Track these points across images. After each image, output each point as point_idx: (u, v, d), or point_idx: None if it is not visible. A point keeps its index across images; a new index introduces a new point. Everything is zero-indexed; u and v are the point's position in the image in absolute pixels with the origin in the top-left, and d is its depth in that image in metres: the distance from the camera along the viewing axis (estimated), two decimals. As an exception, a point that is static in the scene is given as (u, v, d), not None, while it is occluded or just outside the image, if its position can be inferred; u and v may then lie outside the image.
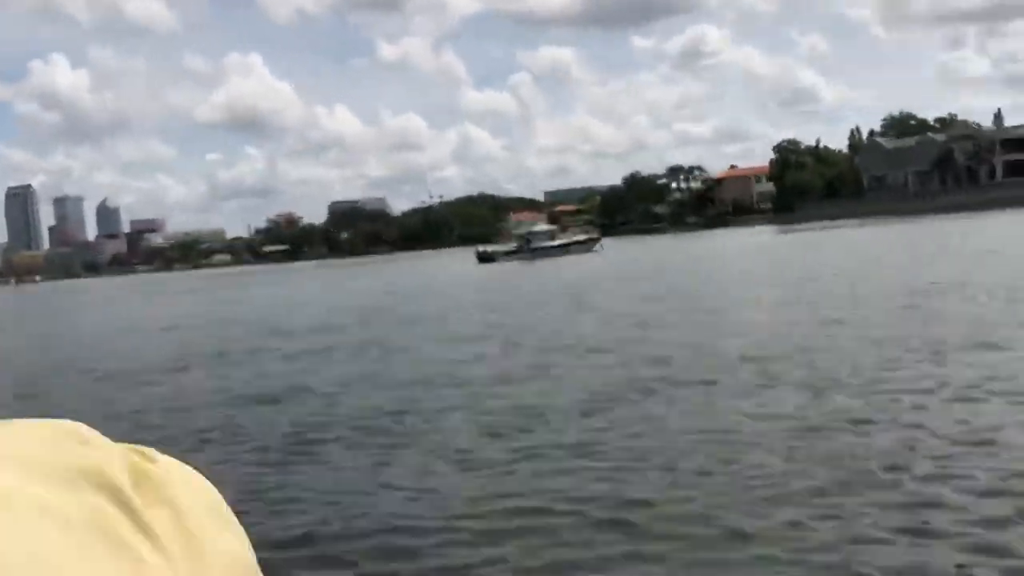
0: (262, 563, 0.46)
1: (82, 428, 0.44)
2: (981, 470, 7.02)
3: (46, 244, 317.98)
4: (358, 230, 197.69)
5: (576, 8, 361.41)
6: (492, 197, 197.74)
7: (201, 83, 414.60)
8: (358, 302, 35.68)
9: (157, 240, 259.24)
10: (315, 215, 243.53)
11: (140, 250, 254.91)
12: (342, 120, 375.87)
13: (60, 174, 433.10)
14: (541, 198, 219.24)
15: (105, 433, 0.45)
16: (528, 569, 5.91)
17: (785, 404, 10.17)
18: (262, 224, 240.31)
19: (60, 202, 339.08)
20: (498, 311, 26.19)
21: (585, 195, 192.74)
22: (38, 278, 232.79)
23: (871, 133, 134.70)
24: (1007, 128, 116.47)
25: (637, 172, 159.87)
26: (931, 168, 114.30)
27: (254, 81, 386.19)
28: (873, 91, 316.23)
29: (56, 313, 54.18)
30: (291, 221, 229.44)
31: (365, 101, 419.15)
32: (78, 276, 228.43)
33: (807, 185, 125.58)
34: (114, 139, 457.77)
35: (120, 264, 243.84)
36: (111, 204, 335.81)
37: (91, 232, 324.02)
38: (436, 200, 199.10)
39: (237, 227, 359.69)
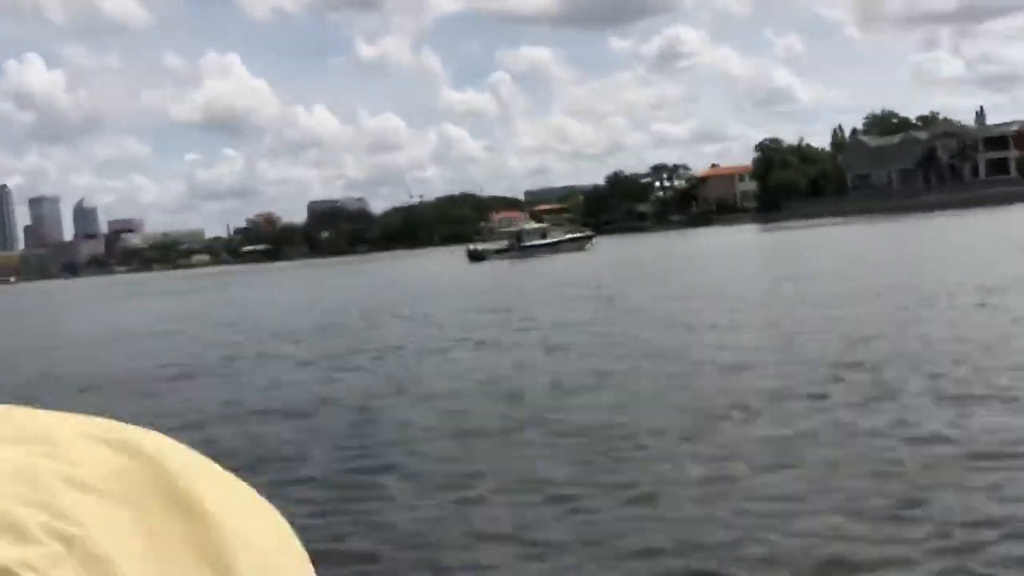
0: None
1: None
2: None
3: (21, 245, 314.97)
4: (339, 230, 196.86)
5: (554, 8, 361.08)
6: (473, 196, 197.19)
7: (178, 82, 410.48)
8: (359, 303, 34.53)
9: (135, 241, 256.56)
10: (294, 215, 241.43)
11: (118, 251, 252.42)
12: (320, 120, 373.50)
13: (36, 174, 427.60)
14: (521, 198, 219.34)
15: None
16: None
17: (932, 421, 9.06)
18: (241, 224, 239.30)
19: (36, 202, 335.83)
20: (518, 310, 24.95)
21: (565, 195, 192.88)
22: (13, 279, 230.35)
23: (853, 132, 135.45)
24: (990, 126, 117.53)
25: (620, 171, 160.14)
26: (915, 166, 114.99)
27: (232, 80, 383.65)
28: (848, 91, 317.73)
29: (33, 316, 52.75)
30: (270, 221, 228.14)
31: (344, 101, 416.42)
32: (54, 277, 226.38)
33: (792, 184, 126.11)
34: (90, 139, 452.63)
35: (98, 265, 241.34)
36: (88, 204, 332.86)
37: (68, 233, 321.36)
38: (417, 200, 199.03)
39: (216, 227, 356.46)
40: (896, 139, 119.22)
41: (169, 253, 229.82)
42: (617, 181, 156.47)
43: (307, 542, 0.40)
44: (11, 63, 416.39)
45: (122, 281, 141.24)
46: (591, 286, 32.70)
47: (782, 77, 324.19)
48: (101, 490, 0.37)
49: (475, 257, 74.02)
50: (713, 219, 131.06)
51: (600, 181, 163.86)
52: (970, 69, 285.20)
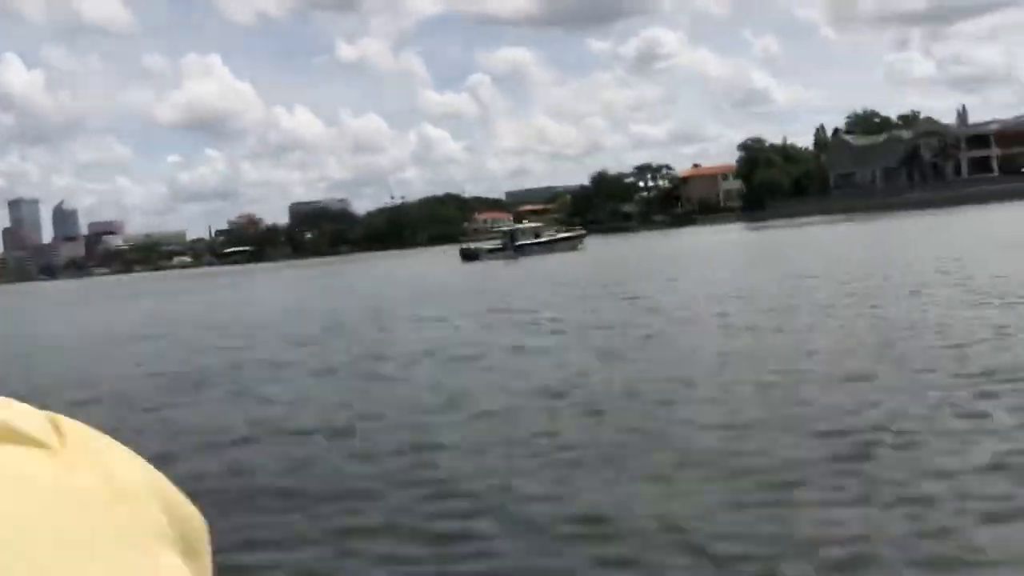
0: None
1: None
2: None
3: (0, 248, 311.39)
4: (322, 231, 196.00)
5: (534, 10, 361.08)
6: (457, 197, 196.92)
7: (159, 84, 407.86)
8: (359, 304, 33.34)
9: (116, 242, 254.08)
10: (276, 217, 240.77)
11: (98, 253, 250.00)
12: (302, 121, 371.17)
13: (15, 176, 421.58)
14: (503, 198, 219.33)
15: None
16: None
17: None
18: (223, 226, 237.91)
19: (15, 205, 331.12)
20: (536, 311, 23.97)
21: (546, 196, 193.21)
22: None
23: (835, 132, 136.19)
24: (973, 125, 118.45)
25: (605, 171, 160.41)
26: (898, 165, 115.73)
27: (213, 82, 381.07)
28: (824, 92, 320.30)
29: (12, 319, 50.69)
30: (252, 222, 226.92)
31: (325, 102, 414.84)
32: (33, 279, 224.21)
33: (776, 183, 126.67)
34: (70, 140, 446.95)
35: (78, 267, 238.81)
36: (68, 206, 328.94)
37: (47, 235, 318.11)
38: (399, 201, 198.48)
39: (198, 229, 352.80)
40: (880, 138, 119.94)
41: (150, 255, 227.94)
42: (602, 181, 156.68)
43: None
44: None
45: (102, 283, 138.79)
46: (599, 285, 31.97)
47: (760, 78, 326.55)
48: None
49: (468, 256, 73.55)
50: (697, 219, 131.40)
51: (579, 182, 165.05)
52: (941, 70, 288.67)
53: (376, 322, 25.47)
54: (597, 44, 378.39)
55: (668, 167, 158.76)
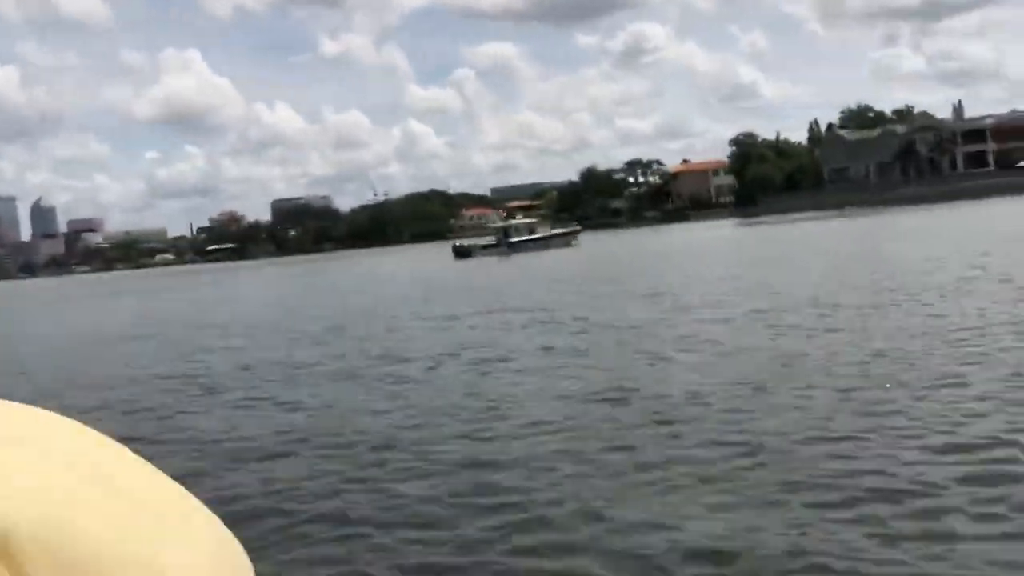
0: None
1: None
2: None
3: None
4: (305, 228, 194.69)
5: (519, 4, 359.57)
6: (442, 193, 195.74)
7: (138, 79, 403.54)
8: (358, 302, 32.35)
9: (96, 240, 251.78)
10: (258, 213, 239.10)
11: (78, 250, 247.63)
12: (283, 117, 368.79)
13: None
14: (488, 194, 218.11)
15: None
16: None
17: None
18: (204, 223, 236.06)
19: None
20: (549, 309, 22.94)
21: (534, 192, 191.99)
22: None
23: (829, 126, 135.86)
24: (969, 120, 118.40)
25: (594, 166, 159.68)
26: (893, 159, 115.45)
27: (192, 77, 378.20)
28: (813, 87, 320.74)
29: None
30: (234, 219, 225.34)
31: (307, 97, 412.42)
32: (12, 277, 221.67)
33: (768, 178, 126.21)
34: (48, 137, 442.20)
35: (57, 265, 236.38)
36: (46, 204, 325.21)
37: (25, 233, 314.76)
38: (382, 197, 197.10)
39: (179, 226, 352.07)
40: (874, 133, 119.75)
41: (131, 252, 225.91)
42: (591, 177, 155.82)
43: None
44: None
45: (84, 281, 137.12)
46: (607, 281, 31.03)
47: (747, 73, 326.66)
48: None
49: (461, 253, 72.37)
50: (688, 215, 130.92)
51: (566, 177, 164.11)
52: (930, 65, 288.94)
53: (383, 321, 24.32)
54: (584, 38, 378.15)
55: (659, 162, 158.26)
